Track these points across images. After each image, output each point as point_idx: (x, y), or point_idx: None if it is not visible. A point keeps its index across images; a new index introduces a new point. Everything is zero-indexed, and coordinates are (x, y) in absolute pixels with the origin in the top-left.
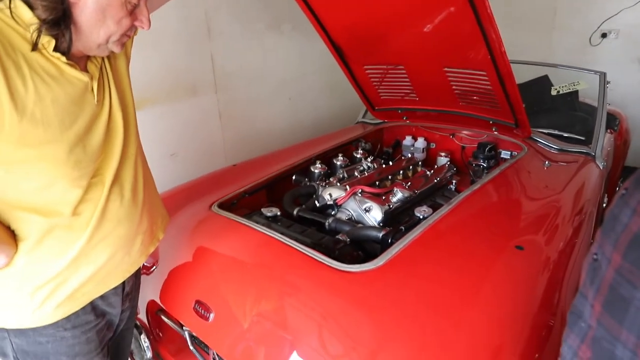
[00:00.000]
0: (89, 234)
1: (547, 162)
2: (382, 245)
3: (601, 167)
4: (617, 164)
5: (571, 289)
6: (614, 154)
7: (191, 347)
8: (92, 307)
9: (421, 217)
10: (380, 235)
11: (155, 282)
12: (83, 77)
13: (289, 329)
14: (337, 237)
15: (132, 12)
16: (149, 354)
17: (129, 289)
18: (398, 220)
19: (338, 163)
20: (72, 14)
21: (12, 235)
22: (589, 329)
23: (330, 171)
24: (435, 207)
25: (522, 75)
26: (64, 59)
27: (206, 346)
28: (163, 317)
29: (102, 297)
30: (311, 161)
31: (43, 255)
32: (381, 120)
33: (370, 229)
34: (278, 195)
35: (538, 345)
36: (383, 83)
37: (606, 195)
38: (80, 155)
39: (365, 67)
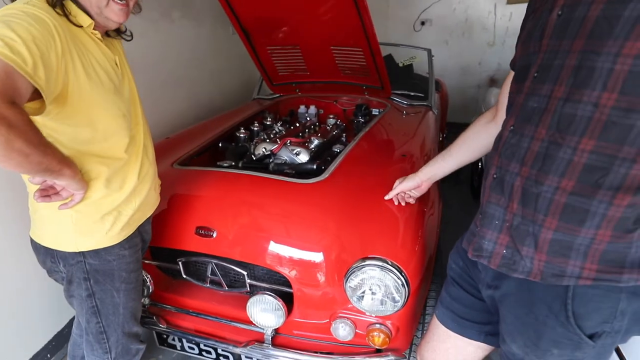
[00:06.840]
0: (138, 170)
1: (404, 112)
2: (318, 172)
3: (435, 114)
4: (443, 115)
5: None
6: (440, 107)
7: (185, 276)
8: (139, 231)
9: (338, 151)
10: (315, 166)
11: None
12: (110, 52)
13: (265, 229)
14: (284, 171)
15: None
16: (152, 288)
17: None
18: (318, 159)
19: (256, 129)
20: None
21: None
22: (504, 222)
23: (250, 135)
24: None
25: None
26: (99, 35)
27: (197, 271)
28: (150, 262)
29: (142, 224)
30: (234, 129)
31: (111, 188)
32: (276, 95)
33: (307, 163)
34: (214, 158)
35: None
36: (280, 61)
37: (440, 133)
38: (124, 109)
39: (268, 47)
